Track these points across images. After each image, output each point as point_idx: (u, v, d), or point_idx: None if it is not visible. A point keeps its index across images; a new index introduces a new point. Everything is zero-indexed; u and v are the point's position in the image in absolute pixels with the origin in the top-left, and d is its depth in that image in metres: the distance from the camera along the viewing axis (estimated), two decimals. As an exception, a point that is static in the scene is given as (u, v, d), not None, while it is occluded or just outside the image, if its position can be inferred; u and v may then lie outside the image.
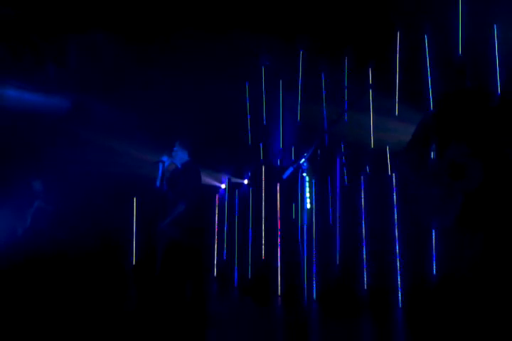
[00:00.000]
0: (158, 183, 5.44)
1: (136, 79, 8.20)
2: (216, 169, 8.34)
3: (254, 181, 7.85)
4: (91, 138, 8.29)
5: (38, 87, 8.73)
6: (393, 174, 5.83)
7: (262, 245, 7.09)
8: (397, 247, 5.54)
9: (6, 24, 7.78)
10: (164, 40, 8.05)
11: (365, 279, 5.81)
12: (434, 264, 5.06)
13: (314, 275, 6.11)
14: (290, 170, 4.39)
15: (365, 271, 5.83)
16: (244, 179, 8.16)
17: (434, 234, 4.97)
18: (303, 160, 4.25)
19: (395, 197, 5.67)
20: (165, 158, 5.41)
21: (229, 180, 8.24)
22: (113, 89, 8.54)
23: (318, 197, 6.43)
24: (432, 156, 3.36)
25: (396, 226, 5.59)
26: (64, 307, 5.41)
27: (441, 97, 3.29)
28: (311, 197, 6.48)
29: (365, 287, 5.80)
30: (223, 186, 8.19)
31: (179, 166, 5.43)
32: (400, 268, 5.49)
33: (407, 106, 6.38)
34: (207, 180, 8.19)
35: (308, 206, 6.47)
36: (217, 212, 8.04)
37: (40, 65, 8.61)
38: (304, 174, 4.45)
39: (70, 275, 6.75)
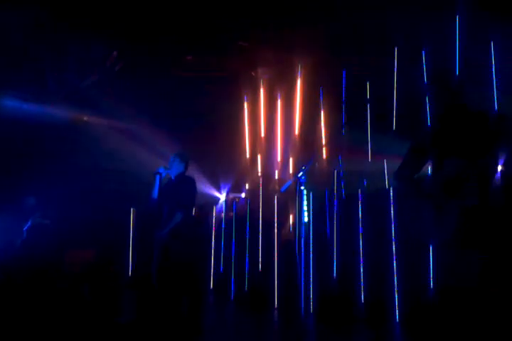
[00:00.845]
0: (155, 195, 5.46)
1: (135, 92, 8.25)
2: (214, 181, 8.37)
3: (252, 193, 7.86)
4: (88, 150, 8.31)
5: (37, 97, 8.77)
6: (390, 188, 5.86)
7: (259, 257, 7.09)
8: (394, 261, 5.54)
9: (7, 34, 7.82)
10: (163, 53, 8.11)
11: (362, 292, 5.81)
12: (432, 278, 5.07)
13: (311, 288, 6.10)
14: (288, 183, 4.42)
15: (362, 284, 5.83)
16: (242, 192, 8.18)
17: (431, 248, 4.98)
18: (301, 173, 4.29)
19: (392, 210, 5.69)
20: (161, 170, 5.45)
21: (227, 192, 8.26)
22: (111, 100, 8.58)
23: (316, 210, 6.44)
24: (429, 172, 3.39)
25: (393, 239, 5.60)
26: (59, 320, 5.39)
27: (439, 115, 3.33)
28: (308, 210, 6.52)
29: (362, 300, 5.79)
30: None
31: (173, 178, 5.46)
32: (397, 281, 5.49)
33: (404, 121, 6.43)
34: (207, 190, 8.21)
35: (306, 219, 6.51)
36: (214, 224, 8.04)
37: (39, 75, 8.65)
38: (302, 187, 4.48)
39: (65, 288, 6.74)
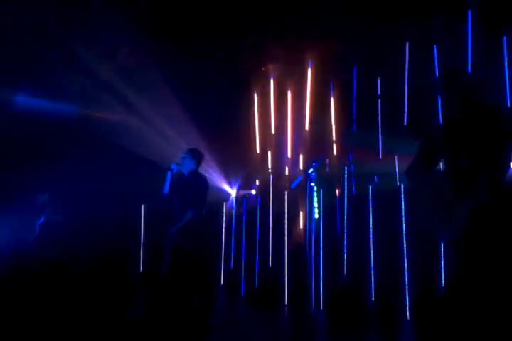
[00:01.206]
0: (166, 190, 5.47)
1: (146, 88, 8.26)
2: (225, 177, 8.37)
3: (262, 190, 7.86)
4: (100, 146, 8.33)
5: (49, 94, 8.80)
6: (401, 184, 5.83)
7: (269, 254, 7.09)
8: (405, 258, 5.52)
9: (19, 32, 7.85)
10: (174, 52, 8.11)
11: (373, 290, 5.80)
12: (443, 276, 5.05)
13: (322, 284, 6.10)
14: (298, 179, 4.41)
15: (372, 281, 5.81)
16: (252, 189, 8.17)
17: (442, 245, 4.96)
18: (311, 170, 4.27)
19: (403, 207, 5.66)
20: (173, 166, 5.45)
21: (237, 189, 8.26)
22: (122, 97, 8.60)
23: (326, 207, 6.43)
24: (441, 169, 3.36)
25: (404, 236, 5.58)
26: (70, 316, 5.42)
27: (450, 111, 3.30)
28: (319, 207, 6.51)
29: (373, 297, 5.78)
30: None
31: (186, 174, 5.46)
32: (407, 279, 5.47)
33: (415, 117, 6.38)
34: (218, 184, 8.20)
35: (316, 216, 6.49)
36: (224, 220, 8.05)
37: (51, 72, 8.68)
38: (312, 184, 4.46)
39: (77, 284, 6.77)
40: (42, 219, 7.57)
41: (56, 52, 8.35)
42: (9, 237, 7.33)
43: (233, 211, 8.01)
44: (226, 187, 8.38)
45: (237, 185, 8.32)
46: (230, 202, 8.28)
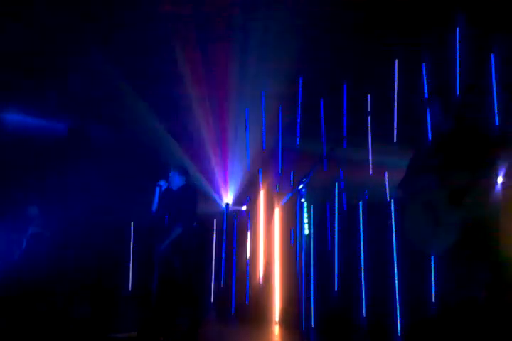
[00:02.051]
0: (154, 207, 5.44)
1: (133, 104, 8.27)
2: (216, 193, 8.33)
3: (253, 206, 7.83)
4: (89, 163, 8.30)
5: (37, 110, 8.79)
6: (392, 200, 5.83)
7: (259, 271, 7.04)
8: (396, 274, 5.50)
9: (7, 48, 7.85)
10: (161, 67, 8.13)
11: (364, 306, 5.76)
12: (434, 292, 5.02)
13: (312, 301, 6.05)
14: (289, 195, 4.39)
15: (363, 297, 5.77)
16: (242, 205, 8.14)
17: (433, 261, 4.94)
18: (301, 185, 4.26)
19: (393, 223, 5.65)
20: (162, 182, 5.43)
21: (227, 206, 8.23)
22: (111, 113, 8.60)
23: (317, 223, 6.40)
24: (431, 185, 3.36)
25: (395, 252, 5.56)
26: (57, 333, 5.34)
27: (441, 128, 3.32)
28: (309, 223, 6.48)
29: (364, 314, 5.74)
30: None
31: (174, 189, 5.43)
32: (398, 295, 5.44)
33: (405, 133, 6.41)
34: (208, 201, 8.16)
35: (307, 232, 6.46)
36: (215, 237, 8.00)
37: (40, 89, 8.67)
38: (302, 200, 4.45)
39: (64, 301, 6.68)
40: (29, 232, 7.49)
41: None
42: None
43: (224, 227, 7.96)
44: (217, 202, 8.34)
45: (227, 201, 8.28)
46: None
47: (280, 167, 8.01)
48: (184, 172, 5.49)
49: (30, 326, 5.52)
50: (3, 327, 5.39)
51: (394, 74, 6.60)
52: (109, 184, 8.04)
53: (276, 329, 6.37)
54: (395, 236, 5.60)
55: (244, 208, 8.11)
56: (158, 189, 5.42)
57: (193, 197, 5.43)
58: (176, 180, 5.43)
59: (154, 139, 8.38)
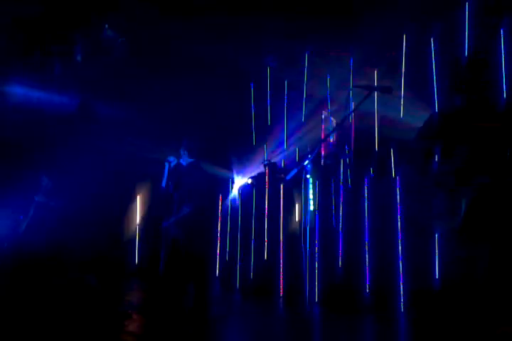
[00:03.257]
0: (163, 183, 5.44)
1: (141, 81, 8.23)
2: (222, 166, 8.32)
3: (258, 181, 7.83)
4: (98, 137, 8.30)
5: (44, 84, 8.76)
6: (397, 177, 5.80)
7: (264, 246, 7.07)
8: (400, 250, 5.50)
9: (13, 22, 7.80)
10: (168, 43, 8.06)
11: (368, 282, 5.79)
12: (437, 268, 5.03)
13: (316, 277, 6.09)
14: (294, 171, 4.38)
15: (367, 273, 5.80)
16: (248, 178, 8.12)
17: (437, 237, 4.94)
18: (307, 161, 4.25)
19: (398, 199, 5.63)
20: (171, 158, 5.42)
21: (232, 180, 8.22)
22: (119, 88, 8.56)
23: (322, 199, 6.40)
24: (436, 159, 3.34)
25: (399, 229, 5.56)
26: (64, 308, 5.40)
27: (447, 108, 3.29)
28: (314, 199, 6.48)
29: (368, 290, 5.77)
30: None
31: (184, 164, 5.42)
32: (402, 271, 5.46)
33: (412, 108, 6.35)
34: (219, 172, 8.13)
35: (312, 208, 6.47)
36: (219, 212, 8.02)
37: (47, 62, 8.64)
38: (308, 176, 4.44)
39: (70, 275, 6.75)
40: (35, 200, 7.51)
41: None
42: (4, 223, 7.29)
43: (228, 202, 7.97)
44: (225, 173, 8.30)
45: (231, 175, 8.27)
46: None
47: (285, 142, 7.99)
48: (192, 147, 5.47)
49: (36, 302, 5.57)
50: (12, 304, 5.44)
51: (402, 48, 6.54)
52: (118, 158, 8.06)
53: (281, 304, 6.43)
54: (400, 212, 5.59)
55: (249, 181, 8.09)
56: (167, 165, 5.42)
57: (202, 176, 5.41)
58: (186, 155, 5.43)
59: (161, 114, 8.36)
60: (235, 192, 8.12)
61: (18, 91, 8.63)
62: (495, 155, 3.01)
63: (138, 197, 8.73)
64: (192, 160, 5.43)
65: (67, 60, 8.69)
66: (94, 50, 8.68)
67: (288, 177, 4.65)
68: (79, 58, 8.66)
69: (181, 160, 5.45)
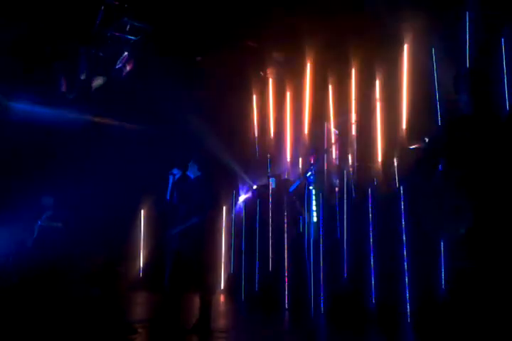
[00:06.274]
0: (168, 196, 5.43)
1: (145, 95, 8.29)
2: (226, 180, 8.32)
3: (262, 193, 7.82)
4: (100, 152, 8.33)
5: (49, 101, 8.82)
6: (401, 186, 5.79)
7: (269, 258, 7.04)
8: (406, 260, 5.47)
9: (19, 38, 7.88)
10: (173, 53, 8.13)
11: (373, 293, 5.75)
12: (443, 278, 5.00)
13: (322, 288, 6.05)
14: (297, 183, 4.39)
15: (373, 284, 5.76)
16: (252, 192, 8.13)
17: (442, 247, 4.91)
18: (309, 173, 4.26)
19: (402, 209, 5.61)
20: (176, 171, 5.42)
21: (237, 192, 8.23)
22: (123, 104, 8.63)
23: (326, 210, 6.38)
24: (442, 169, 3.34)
25: (404, 239, 5.54)
26: (69, 321, 5.38)
27: (452, 119, 3.30)
28: (317, 210, 6.46)
29: (373, 301, 5.73)
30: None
31: (192, 177, 5.43)
32: (408, 281, 5.42)
33: (415, 119, 6.36)
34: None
35: (315, 219, 6.45)
36: (224, 224, 8.00)
37: (51, 79, 8.71)
38: (311, 187, 4.44)
39: (75, 287, 6.74)
40: (39, 223, 7.56)
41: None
42: (9, 238, 7.32)
43: (233, 215, 7.96)
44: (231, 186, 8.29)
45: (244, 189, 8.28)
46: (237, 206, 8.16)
47: (289, 154, 8.00)
48: (200, 160, 5.47)
49: (39, 314, 5.56)
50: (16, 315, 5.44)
51: (403, 58, 6.57)
52: (122, 172, 8.09)
53: (286, 316, 6.39)
54: (404, 222, 5.57)
55: (254, 188, 8.07)
56: (171, 177, 5.42)
57: (210, 190, 5.39)
58: (194, 168, 5.44)
59: (166, 127, 8.41)
60: (239, 204, 8.11)
61: (21, 107, 8.70)
62: (501, 165, 3.00)
63: (142, 211, 8.75)
64: (200, 173, 5.43)
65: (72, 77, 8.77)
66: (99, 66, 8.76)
67: (291, 188, 4.66)
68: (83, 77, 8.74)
69: (188, 173, 5.45)
